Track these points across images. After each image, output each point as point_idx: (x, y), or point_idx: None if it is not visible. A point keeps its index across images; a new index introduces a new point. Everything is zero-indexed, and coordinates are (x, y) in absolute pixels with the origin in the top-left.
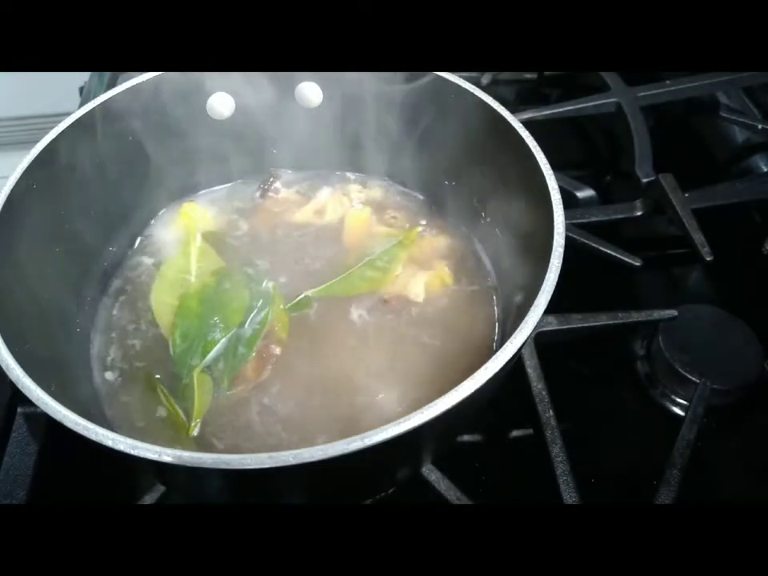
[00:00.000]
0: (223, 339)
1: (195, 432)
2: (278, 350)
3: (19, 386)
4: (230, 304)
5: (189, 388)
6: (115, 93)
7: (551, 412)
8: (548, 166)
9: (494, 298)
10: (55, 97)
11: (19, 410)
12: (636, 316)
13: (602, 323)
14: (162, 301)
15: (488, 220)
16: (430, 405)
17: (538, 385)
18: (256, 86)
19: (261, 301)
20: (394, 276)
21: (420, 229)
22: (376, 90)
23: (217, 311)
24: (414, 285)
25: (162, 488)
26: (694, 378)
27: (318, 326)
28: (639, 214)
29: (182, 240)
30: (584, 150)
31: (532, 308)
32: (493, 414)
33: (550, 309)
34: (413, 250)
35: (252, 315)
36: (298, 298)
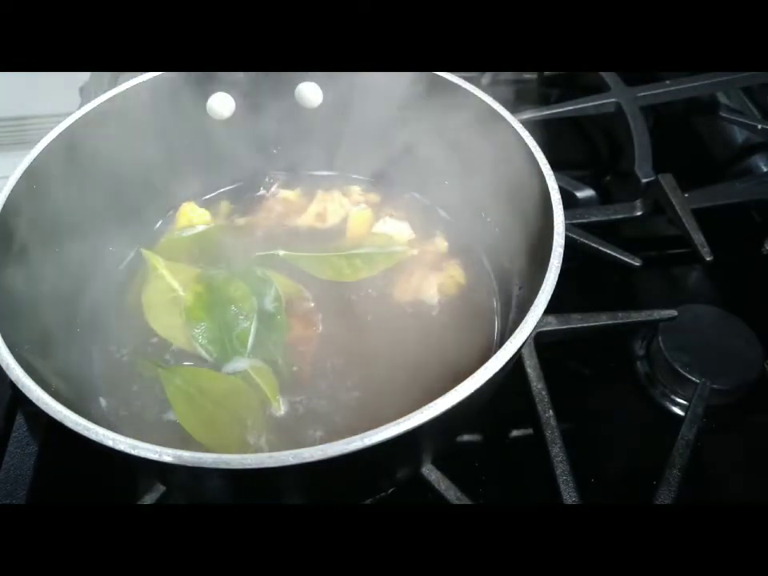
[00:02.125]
0: (252, 325)
1: (283, 410)
2: (311, 304)
3: (19, 386)
4: (234, 296)
5: (242, 379)
6: (115, 93)
7: (551, 412)
8: (548, 166)
9: (494, 297)
10: (55, 97)
11: (19, 410)
12: (636, 316)
13: (602, 323)
14: (167, 325)
15: (488, 220)
16: (430, 405)
17: (537, 385)
18: (256, 86)
19: (263, 284)
20: (363, 277)
21: (415, 251)
22: (375, 90)
23: (227, 307)
24: (427, 287)
25: (162, 488)
26: (694, 378)
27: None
28: (639, 214)
29: (147, 266)
30: (584, 150)
31: (532, 308)
32: (493, 413)
33: (550, 309)
34: (417, 254)
35: (264, 296)
36: (268, 253)
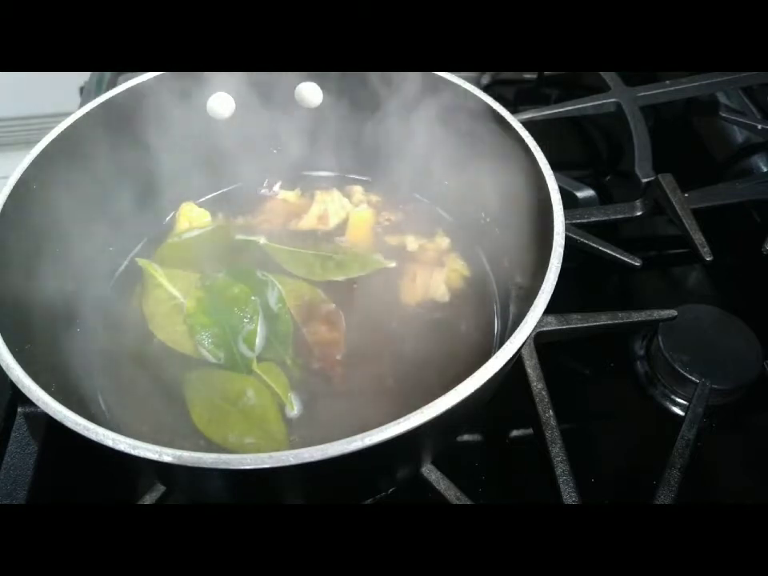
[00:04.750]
0: (259, 325)
1: (296, 410)
2: (332, 305)
3: (19, 386)
4: (237, 299)
5: (257, 380)
6: (115, 93)
7: (551, 412)
8: (548, 166)
9: (494, 298)
10: (55, 97)
11: (19, 409)
12: (636, 316)
13: (601, 323)
14: (172, 332)
15: (488, 220)
16: (430, 405)
17: (537, 385)
18: (256, 86)
19: (264, 285)
20: (332, 279)
21: (393, 264)
22: (375, 90)
23: (231, 310)
24: (435, 287)
25: (162, 488)
26: (693, 378)
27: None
28: (639, 214)
29: (144, 275)
30: (584, 150)
31: (532, 308)
32: (493, 414)
33: (550, 309)
34: (418, 254)
35: (267, 297)
36: (249, 238)
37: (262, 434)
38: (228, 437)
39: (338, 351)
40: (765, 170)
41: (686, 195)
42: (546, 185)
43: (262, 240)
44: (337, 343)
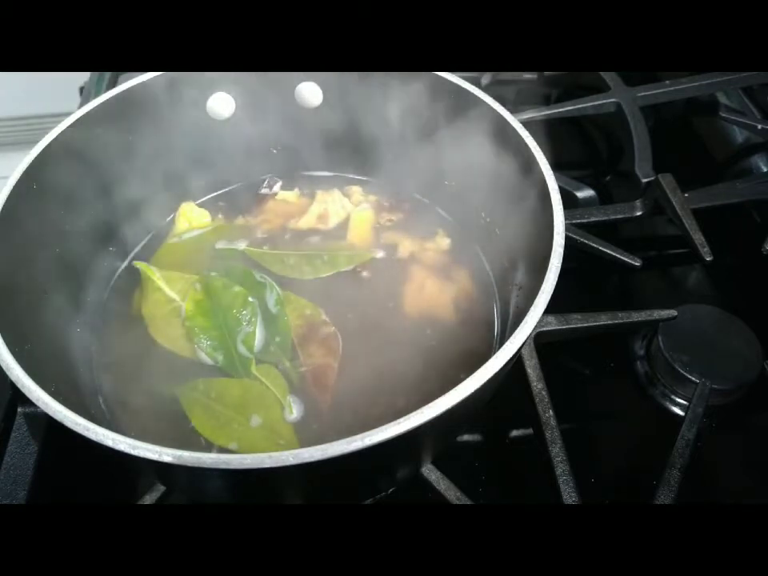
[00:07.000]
0: (257, 326)
1: (295, 413)
2: (332, 328)
3: (19, 386)
4: (235, 301)
5: (257, 384)
6: (115, 93)
7: (551, 412)
8: (548, 166)
9: (494, 298)
10: (55, 97)
11: (19, 409)
12: (636, 316)
13: (601, 323)
14: (171, 336)
15: (488, 220)
16: (430, 405)
17: (537, 385)
18: (256, 86)
19: (263, 289)
20: (317, 276)
21: (380, 255)
22: (375, 90)
23: (229, 312)
24: (442, 306)
25: (162, 488)
26: (693, 378)
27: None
28: (639, 214)
29: (143, 278)
30: (584, 150)
31: (532, 308)
32: (493, 414)
33: (550, 309)
34: (420, 254)
35: (265, 299)
36: (229, 247)
37: (269, 434)
38: (233, 439)
39: (331, 378)
40: (765, 169)
41: (686, 195)
42: (546, 185)
43: (242, 246)
44: (330, 369)
